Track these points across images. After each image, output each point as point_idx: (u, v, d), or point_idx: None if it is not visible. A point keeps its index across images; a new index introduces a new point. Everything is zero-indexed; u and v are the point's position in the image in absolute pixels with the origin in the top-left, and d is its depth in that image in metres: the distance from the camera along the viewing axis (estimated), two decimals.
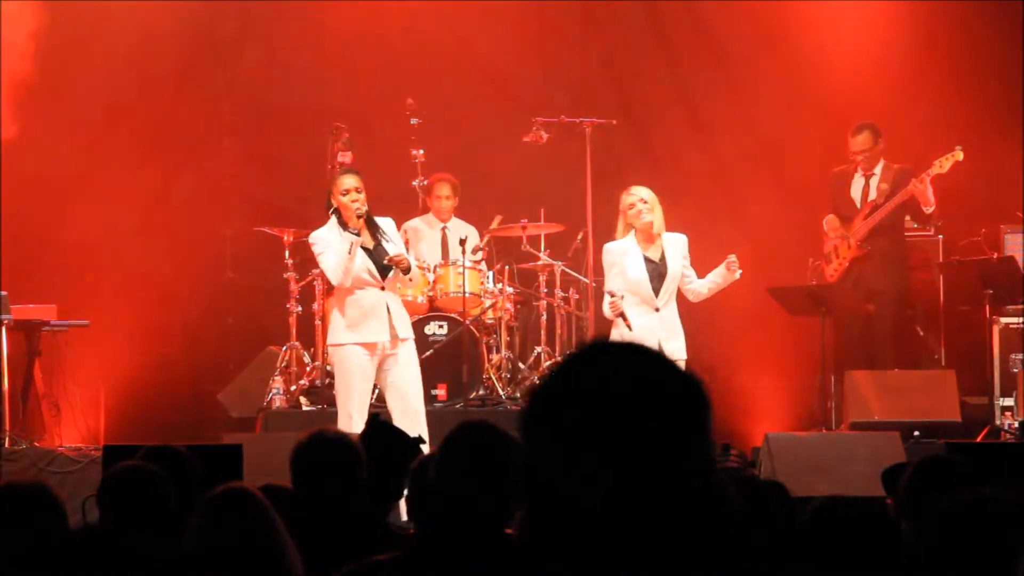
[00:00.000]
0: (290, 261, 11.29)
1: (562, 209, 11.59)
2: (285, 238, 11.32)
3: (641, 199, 9.53)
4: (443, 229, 11.93)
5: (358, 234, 9.29)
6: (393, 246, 9.45)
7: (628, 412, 1.85)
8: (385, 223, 9.55)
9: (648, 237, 9.56)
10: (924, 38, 12.33)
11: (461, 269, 11.05)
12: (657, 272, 9.53)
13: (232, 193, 12.78)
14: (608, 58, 13.08)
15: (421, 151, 11.63)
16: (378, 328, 9.35)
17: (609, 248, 9.63)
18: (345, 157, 11.04)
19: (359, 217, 9.28)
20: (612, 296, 9.48)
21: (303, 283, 11.30)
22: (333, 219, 9.37)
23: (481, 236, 11.61)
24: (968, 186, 11.34)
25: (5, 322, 10.46)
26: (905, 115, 12.07)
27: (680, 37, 12.90)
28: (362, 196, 9.32)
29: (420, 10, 12.62)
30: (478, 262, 11.28)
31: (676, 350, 9.50)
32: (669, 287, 9.55)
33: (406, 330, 9.47)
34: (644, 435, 1.84)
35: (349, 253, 9.24)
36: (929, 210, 11.35)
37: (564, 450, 1.86)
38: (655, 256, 9.56)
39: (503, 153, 12.14)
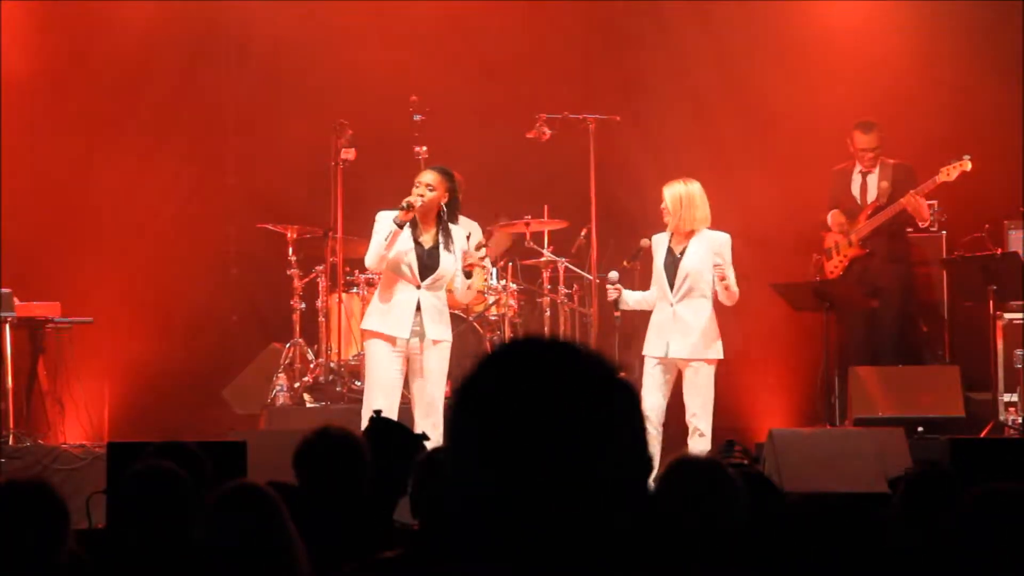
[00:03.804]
0: (293, 258, 11.28)
1: (566, 205, 11.58)
2: (289, 235, 11.31)
3: (664, 206, 9.62)
4: None
5: (401, 226, 9.14)
6: (451, 256, 9.29)
7: (532, 410, 1.86)
8: (459, 231, 9.39)
9: (679, 231, 9.61)
10: (927, 35, 12.32)
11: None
12: (674, 266, 9.56)
13: (235, 190, 12.78)
14: (612, 54, 13.07)
15: (424, 148, 11.62)
16: (399, 323, 9.23)
17: (653, 239, 9.76)
18: (348, 154, 11.05)
19: (403, 208, 9.13)
20: (611, 283, 9.67)
21: (307, 280, 11.29)
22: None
23: (484, 234, 11.61)
24: (971, 181, 11.33)
25: (9, 319, 10.46)
26: (907, 111, 12.07)
27: (684, 34, 12.88)
28: (432, 193, 9.18)
29: (423, 6, 12.61)
30: (482, 259, 11.28)
31: (680, 350, 9.48)
32: (683, 282, 9.53)
33: (436, 332, 9.27)
34: (547, 434, 1.85)
35: (386, 241, 9.18)
36: (924, 224, 11.40)
37: (472, 447, 1.87)
38: (679, 250, 9.58)
39: (506, 149, 12.14)
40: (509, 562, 1.86)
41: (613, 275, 9.87)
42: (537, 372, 1.90)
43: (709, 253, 9.52)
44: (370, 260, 9.35)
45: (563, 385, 1.89)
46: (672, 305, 9.54)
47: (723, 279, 9.44)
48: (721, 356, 9.58)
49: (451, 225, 9.34)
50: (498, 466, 1.85)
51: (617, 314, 9.74)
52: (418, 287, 9.25)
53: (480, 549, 1.87)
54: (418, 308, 9.24)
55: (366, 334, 9.47)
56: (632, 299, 9.80)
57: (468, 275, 9.41)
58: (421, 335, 9.24)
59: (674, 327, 9.49)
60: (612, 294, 9.75)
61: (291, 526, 4.14)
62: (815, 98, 12.30)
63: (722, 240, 9.61)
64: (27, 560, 4.03)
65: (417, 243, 9.24)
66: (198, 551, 4.15)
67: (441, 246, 9.28)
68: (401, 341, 9.22)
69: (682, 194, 9.60)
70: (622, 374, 1.96)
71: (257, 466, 7.32)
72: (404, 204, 9.14)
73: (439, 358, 9.30)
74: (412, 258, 9.22)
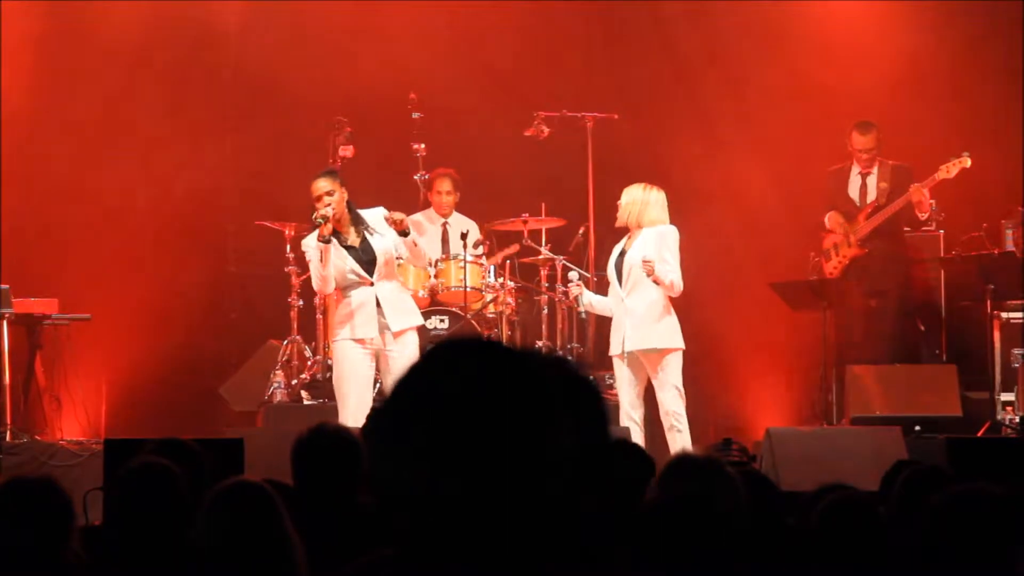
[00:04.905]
0: (291, 255, 11.28)
1: (563, 203, 11.59)
2: (286, 232, 11.31)
3: (619, 203, 9.69)
4: (444, 224, 11.94)
5: (327, 240, 9.13)
6: (380, 238, 9.27)
7: (461, 412, 1.86)
8: (372, 214, 9.39)
9: (630, 229, 9.69)
10: (925, 35, 12.32)
11: (462, 263, 11.04)
12: (623, 262, 9.63)
13: (234, 187, 12.77)
14: (611, 53, 13.07)
15: (422, 145, 11.62)
16: (366, 324, 9.22)
17: (615, 248, 9.86)
18: (346, 151, 11.04)
19: (318, 223, 9.09)
20: (570, 280, 10.00)
21: (304, 277, 11.27)
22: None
23: (482, 231, 11.61)
24: (969, 180, 11.34)
25: (6, 316, 10.46)
26: (905, 111, 12.08)
27: (682, 32, 12.89)
28: (334, 198, 9.12)
29: (423, 5, 12.61)
30: (479, 256, 11.28)
31: (633, 341, 9.53)
32: (630, 275, 9.58)
33: (400, 322, 9.27)
34: (479, 434, 1.85)
35: (322, 262, 9.17)
36: (924, 216, 11.42)
37: (402, 452, 1.87)
38: (629, 247, 9.65)
39: (504, 147, 12.13)
40: (495, 560, 1.85)
41: (572, 274, 10.08)
42: (477, 370, 1.89)
43: (654, 245, 9.55)
44: (316, 286, 9.39)
45: (484, 387, 1.88)
46: (624, 300, 9.60)
47: (651, 273, 9.44)
48: (680, 346, 9.59)
49: (361, 212, 9.32)
50: (438, 464, 1.85)
51: (579, 309, 9.96)
52: (372, 284, 9.25)
53: (439, 550, 1.87)
54: (378, 304, 9.24)
55: (335, 344, 9.45)
56: (593, 299, 9.91)
57: (405, 233, 9.27)
58: (386, 328, 9.23)
59: (627, 321, 9.56)
60: (574, 290, 9.88)
61: (288, 524, 4.14)
62: (815, 97, 12.30)
63: (666, 231, 9.62)
64: (32, 556, 4.03)
65: (348, 247, 9.24)
66: (195, 548, 4.14)
67: (366, 235, 9.27)
68: (369, 340, 9.23)
69: (638, 197, 9.66)
70: (589, 372, 1.96)
71: (254, 463, 7.32)
72: (318, 219, 9.11)
73: (410, 348, 9.29)
74: (352, 263, 9.22)
